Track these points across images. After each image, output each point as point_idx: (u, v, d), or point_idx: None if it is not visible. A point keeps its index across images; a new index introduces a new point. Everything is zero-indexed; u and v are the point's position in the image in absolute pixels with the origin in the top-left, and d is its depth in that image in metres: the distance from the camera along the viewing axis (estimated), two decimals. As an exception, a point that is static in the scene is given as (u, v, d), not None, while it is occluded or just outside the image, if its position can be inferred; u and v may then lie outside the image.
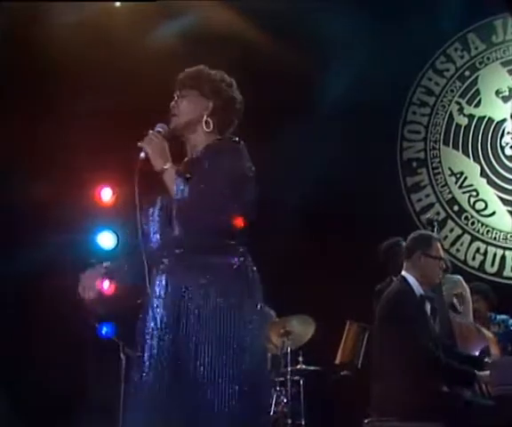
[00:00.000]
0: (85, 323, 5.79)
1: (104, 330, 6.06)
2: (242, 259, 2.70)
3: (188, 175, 2.71)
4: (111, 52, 6.06)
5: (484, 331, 4.33)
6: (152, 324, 2.70)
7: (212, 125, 2.81)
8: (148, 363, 2.67)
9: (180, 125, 2.82)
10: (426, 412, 3.69)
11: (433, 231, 4.57)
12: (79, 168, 6.12)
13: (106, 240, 6.59)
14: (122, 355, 5.25)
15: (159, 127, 2.79)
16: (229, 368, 2.57)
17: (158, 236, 2.76)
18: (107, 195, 6.64)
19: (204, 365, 2.57)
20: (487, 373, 3.85)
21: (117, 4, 6.27)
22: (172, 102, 2.86)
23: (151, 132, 2.76)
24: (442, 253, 4.16)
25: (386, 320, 3.99)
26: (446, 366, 3.84)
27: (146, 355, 2.68)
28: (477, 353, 4.17)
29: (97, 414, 5.68)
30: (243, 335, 2.61)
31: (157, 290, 2.71)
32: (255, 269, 2.74)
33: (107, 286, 7.00)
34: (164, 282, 2.71)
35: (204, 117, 2.80)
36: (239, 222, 2.67)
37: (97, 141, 6.13)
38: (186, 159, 2.84)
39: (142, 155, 2.74)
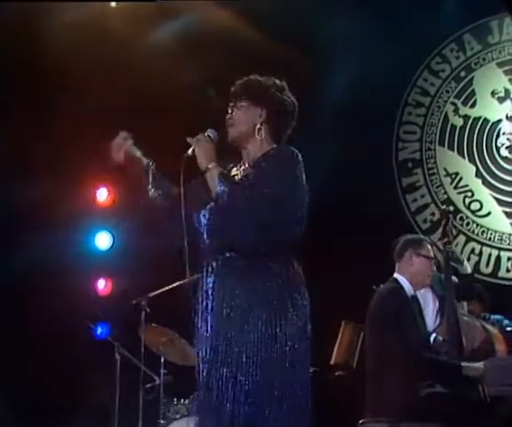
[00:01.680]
0: (81, 323, 5.81)
1: (99, 330, 6.08)
2: (287, 264, 2.74)
3: (238, 179, 2.76)
4: (109, 51, 6.06)
5: (490, 328, 4.32)
6: (202, 328, 2.73)
7: (265, 132, 2.84)
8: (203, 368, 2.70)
9: (236, 136, 2.85)
10: (416, 412, 3.72)
11: (447, 224, 4.49)
12: (75, 168, 6.13)
13: (102, 241, 6.60)
14: (117, 355, 5.27)
15: (210, 132, 2.83)
16: (282, 368, 2.64)
17: (207, 239, 2.77)
18: (103, 195, 6.66)
19: (257, 366, 2.62)
20: (475, 365, 3.86)
21: (113, 3, 6.26)
22: (228, 115, 2.88)
23: (201, 134, 2.81)
24: (433, 253, 4.19)
25: (375, 320, 4.03)
26: (432, 364, 3.87)
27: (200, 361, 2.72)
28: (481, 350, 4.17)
29: (92, 414, 5.69)
30: (293, 339, 2.69)
31: (206, 294, 2.74)
32: (300, 271, 2.78)
33: (102, 285, 7.04)
34: (212, 285, 2.73)
35: (258, 125, 2.83)
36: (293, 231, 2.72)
37: (93, 141, 6.13)
38: (243, 167, 2.87)
39: (189, 152, 2.79)
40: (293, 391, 2.68)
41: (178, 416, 4.94)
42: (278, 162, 2.76)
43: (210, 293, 2.74)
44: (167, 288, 5.14)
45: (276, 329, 2.66)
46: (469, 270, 4.78)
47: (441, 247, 4.55)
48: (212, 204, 2.75)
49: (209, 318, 2.72)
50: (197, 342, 2.77)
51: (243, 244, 2.68)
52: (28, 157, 5.98)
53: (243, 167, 2.87)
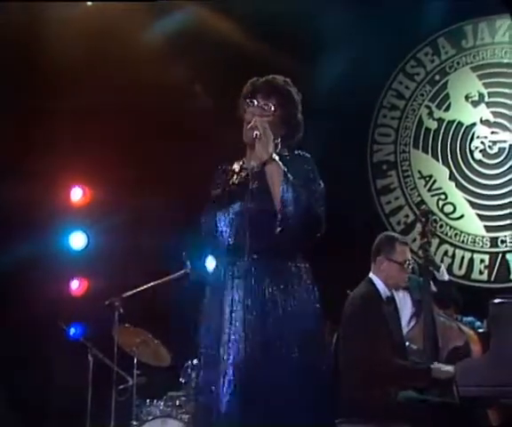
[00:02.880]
0: (54, 324, 5.76)
1: (72, 331, 6.03)
2: (307, 265, 2.78)
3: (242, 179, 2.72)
4: (83, 50, 6.02)
5: (466, 329, 4.35)
6: (227, 328, 2.66)
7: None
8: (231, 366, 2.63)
9: (261, 146, 2.73)
10: (389, 416, 3.73)
11: (426, 225, 4.52)
12: (49, 168, 6.08)
13: (76, 240, 6.55)
14: (89, 357, 5.23)
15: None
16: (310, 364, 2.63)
17: (233, 240, 2.73)
18: (77, 195, 6.61)
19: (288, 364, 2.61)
20: (446, 367, 3.89)
21: (89, 3, 6.22)
22: (250, 116, 2.79)
23: (263, 120, 2.72)
24: (407, 255, 4.18)
25: (348, 324, 4.03)
26: (404, 369, 3.89)
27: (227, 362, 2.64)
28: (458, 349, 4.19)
29: (64, 415, 5.65)
30: (317, 339, 2.71)
31: (232, 295, 2.69)
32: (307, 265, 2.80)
33: (76, 286, 6.99)
34: (238, 287, 2.68)
35: (277, 141, 2.80)
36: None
37: (68, 141, 6.10)
38: (251, 167, 2.78)
39: (257, 133, 2.69)
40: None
41: (150, 418, 4.90)
42: (307, 162, 2.77)
43: (236, 296, 2.68)
44: (141, 288, 5.13)
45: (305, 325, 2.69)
46: (446, 277, 4.79)
47: (416, 249, 4.57)
48: (242, 205, 2.70)
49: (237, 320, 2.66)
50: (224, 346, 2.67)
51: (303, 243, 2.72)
52: (0, 157, 5.92)
53: (251, 167, 2.78)
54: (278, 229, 2.62)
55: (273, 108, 2.80)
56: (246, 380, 2.60)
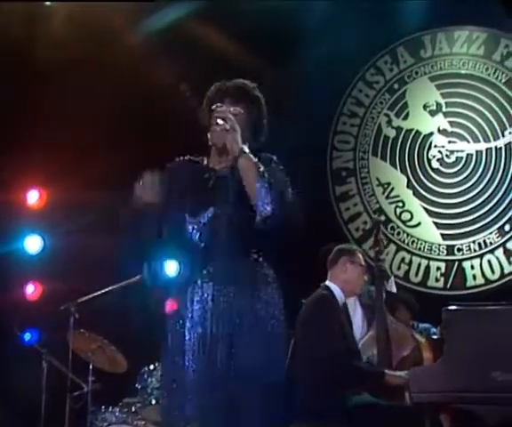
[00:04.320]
0: (8, 329, 5.66)
1: (27, 336, 5.92)
2: (263, 265, 2.76)
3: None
4: (41, 52, 5.95)
5: (418, 337, 4.40)
6: (194, 333, 2.65)
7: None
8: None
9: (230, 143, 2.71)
10: (344, 420, 3.76)
11: (378, 233, 4.61)
12: (5, 170, 5.99)
13: (32, 244, 6.44)
14: (44, 363, 5.15)
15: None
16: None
17: (204, 243, 2.71)
18: (33, 197, 6.50)
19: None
20: (399, 373, 3.95)
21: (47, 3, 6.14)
22: (219, 115, 2.74)
23: (230, 113, 2.69)
24: (364, 262, 4.25)
25: (304, 327, 4.05)
26: (359, 372, 3.92)
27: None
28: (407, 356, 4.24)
29: (17, 423, 5.55)
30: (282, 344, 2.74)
31: (199, 298, 2.67)
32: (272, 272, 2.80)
33: (31, 290, 6.86)
34: (207, 289, 2.67)
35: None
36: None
37: (24, 143, 6.01)
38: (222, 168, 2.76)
39: (227, 126, 2.64)
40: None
41: (106, 425, 4.85)
42: (276, 165, 2.77)
43: (211, 298, 2.67)
44: (97, 294, 5.07)
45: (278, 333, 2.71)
46: (394, 290, 4.87)
47: (372, 256, 4.61)
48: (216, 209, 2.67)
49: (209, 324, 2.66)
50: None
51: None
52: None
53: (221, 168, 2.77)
54: (259, 224, 2.60)
55: (242, 112, 2.80)
56: (209, 385, 2.59)
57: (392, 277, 4.90)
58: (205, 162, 2.85)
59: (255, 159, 2.65)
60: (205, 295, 2.68)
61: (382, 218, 5.76)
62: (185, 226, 2.74)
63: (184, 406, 2.63)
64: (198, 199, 2.73)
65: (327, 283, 4.21)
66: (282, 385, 2.69)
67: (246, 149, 2.67)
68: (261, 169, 2.62)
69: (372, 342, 4.24)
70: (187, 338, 2.66)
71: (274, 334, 2.69)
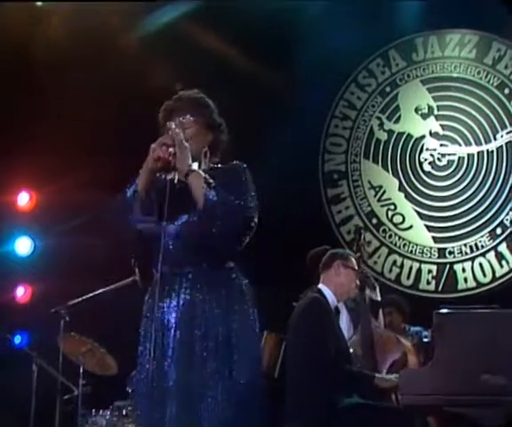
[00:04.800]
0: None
1: (18, 339, 5.90)
2: (238, 274, 2.76)
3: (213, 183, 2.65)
4: (29, 53, 5.93)
5: (403, 341, 4.43)
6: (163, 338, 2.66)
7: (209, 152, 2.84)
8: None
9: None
10: (334, 422, 3.75)
11: (359, 240, 4.71)
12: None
13: (22, 246, 6.42)
14: (34, 366, 5.12)
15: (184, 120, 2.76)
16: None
17: (173, 251, 2.70)
18: (24, 199, 6.48)
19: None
20: (388, 376, 3.97)
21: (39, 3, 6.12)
22: (169, 129, 2.74)
23: (178, 133, 2.68)
24: (357, 268, 4.27)
25: (296, 330, 4.05)
26: (350, 375, 3.92)
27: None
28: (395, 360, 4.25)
29: (9, 425, 5.52)
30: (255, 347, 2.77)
31: (168, 306, 2.68)
32: (247, 282, 2.79)
33: (21, 293, 6.84)
34: (177, 298, 2.67)
35: (205, 148, 2.82)
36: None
37: (15, 145, 5.98)
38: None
39: (171, 150, 2.64)
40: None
41: (96, 428, 4.83)
42: (236, 174, 2.77)
43: (177, 305, 2.67)
44: (87, 296, 5.04)
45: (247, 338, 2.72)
46: (379, 298, 4.89)
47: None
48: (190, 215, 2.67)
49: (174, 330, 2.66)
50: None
51: (228, 252, 2.71)
52: None
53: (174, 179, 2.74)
54: (200, 230, 2.62)
55: (192, 119, 2.81)
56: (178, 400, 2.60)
57: (377, 287, 4.93)
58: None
59: (203, 175, 2.67)
60: (171, 304, 2.70)
61: (374, 220, 5.78)
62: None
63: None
64: (166, 205, 2.72)
65: (319, 286, 4.20)
66: (252, 399, 2.71)
67: (195, 166, 2.71)
68: (210, 182, 2.65)
69: (356, 345, 4.26)
70: (158, 342, 2.67)
71: (246, 347, 2.70)
